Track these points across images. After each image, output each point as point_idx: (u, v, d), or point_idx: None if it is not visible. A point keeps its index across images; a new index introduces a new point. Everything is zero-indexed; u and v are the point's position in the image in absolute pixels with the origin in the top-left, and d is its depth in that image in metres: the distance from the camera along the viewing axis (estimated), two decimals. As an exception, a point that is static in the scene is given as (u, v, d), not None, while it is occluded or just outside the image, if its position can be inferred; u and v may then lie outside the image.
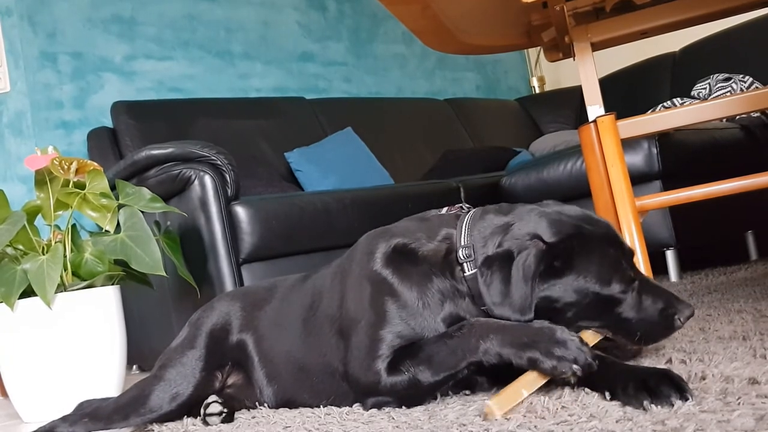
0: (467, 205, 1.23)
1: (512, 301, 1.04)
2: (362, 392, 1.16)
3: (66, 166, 1.91)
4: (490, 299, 1.06)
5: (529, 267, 1.04)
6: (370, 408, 1.16)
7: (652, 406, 0.88)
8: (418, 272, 1.15)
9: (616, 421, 0.86)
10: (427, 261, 1.16)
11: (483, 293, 1.07)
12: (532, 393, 1.01)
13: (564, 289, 1.07)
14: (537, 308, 1.06)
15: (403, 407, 1.13)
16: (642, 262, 1.67)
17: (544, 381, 1.01)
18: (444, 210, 1.23)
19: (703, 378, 1.00)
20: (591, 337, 1.10)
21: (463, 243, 1.13)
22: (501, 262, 1.06)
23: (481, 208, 1.19)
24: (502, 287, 1.05)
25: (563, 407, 0.95)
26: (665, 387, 0.90)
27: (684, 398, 0.88)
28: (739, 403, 0.85)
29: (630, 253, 1.12)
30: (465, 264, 1.12)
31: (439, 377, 1.08)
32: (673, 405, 0.87)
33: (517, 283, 1.04)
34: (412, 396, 1.12)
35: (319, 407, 1.26)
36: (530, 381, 1.01)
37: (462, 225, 1.16)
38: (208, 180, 2.35)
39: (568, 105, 4.46)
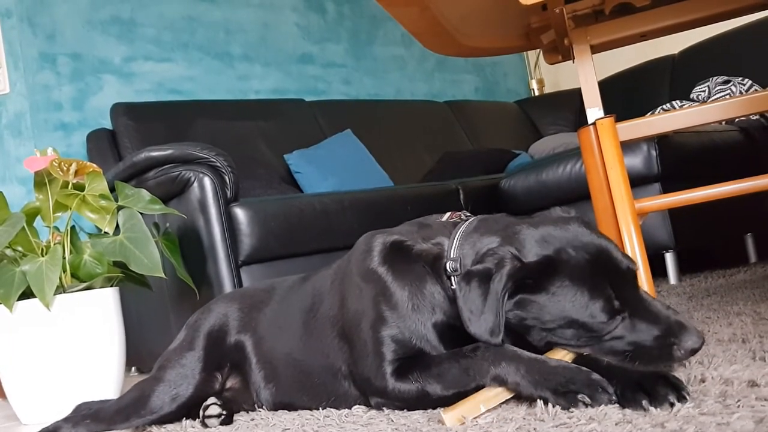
0: (467, 214, 1.23)
1: (485, 317, 1.03)
2: (371, 392, 1.17)
3: (65, 168, 1.91)
4: (466, 314, 1.05)
5: (501, 285, 1.02)
6: (376, 406, 1.16)
7: (651, 407, 0.88)
8: (412, 271, 1.16)
9: (616, 424, 0.86)
10: (422, 259, 1.16)
11: (460, 308, 1.06)
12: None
13: (537, 310, 1.04)
14: (512, 325, 1.06)
15: (405, 410, 1.13)
16: (641, 265, 1.66)
17: (505, 398, 1.02)
18: (445, 216, 1.23)
19: (703, 380, 1.00)
20: (568, 354, 1.06)
21: (452, 255, 1.12)
22: (479, 278, 1.04)
23: (477, 219, 1.18)
24: (478, 303, 1.04)
25: (562, 409, 0.95)
26: (662, 388, 0.89)
27: (682, 399, 0.88)
28: (738, 406, 0.85)
29: (628, 276, 1.06)
30: (452, 277, 1.11)
31: (448, 393, 1.08)
32: (671, 405, 0.87)
33: (491, 301, 1.03)
34: (420, 406, 1.12)
35: (318, 409, 1.26)
36: (491, 397, 1.01)
37: (455, 235, 1.15)
38: (207, 182, 2.35)
39: (567, 107, 4.47)
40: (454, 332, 1.12)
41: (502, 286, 1.02)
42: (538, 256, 1.05)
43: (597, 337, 1.03)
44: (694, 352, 1.00)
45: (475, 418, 1.00)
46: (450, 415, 0.99)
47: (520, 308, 1.05)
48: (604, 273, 1.04)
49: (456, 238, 1.14)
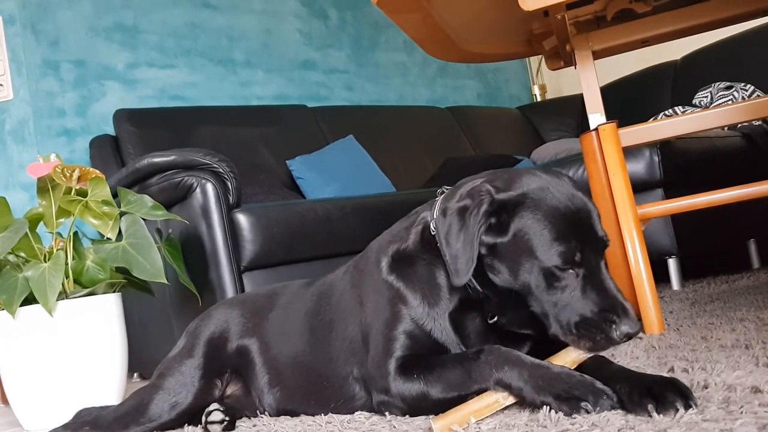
0: (447, 188, 1.24)
1: (459, 246, 1.06)
2: (375, 389, 1.17)
3: (68, 174, 1.91)
4: (444, 246, 1.09)
5: (476, 216, 1.06)
6: (377, 406, 1.17)
7: (656, 413, 0.88)
8: (417, 272, 1.18)
9: (618, 430, 0.85)
10: (418, 252, 1.18)
11: (439, 242, 1.10)
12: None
13: (506, 245, 1.06)
14: (480, 266, 1.08)
15: (407, 416, 1.13)
16: (644, 271, 1.66)
17: (495, 410, 1.02)
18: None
19: (706, 387, 1.00)
20: (571, 357, 1.07)
21: (435, 216, 1.15)
22: (454, 212, 1.09)
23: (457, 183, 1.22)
24: (455, 233, 1.07)
25: (565, 415, 0.94)
26: (670, 394, 0.89)
27: (688, 406, 0.88)
28: (741, 412, 0.84)
29: (598, 244, 1.06)
30: (436, 236, 1.13)
31: (449, 395, 1.08)
32: (677, 411, 0.87)
33: (466, 230, 1.06)
34: (420, 408, 1.12)
35: (324, 412, 1.27)
36: (480, 409, 1.01)
37: (435, 202, 1.18)
38: (209, 187, 2.35)
39: (569, 113, 4.47)
40: (472, 313, 1.15)
41: (479, 219, 1.05)
42: (515, 190, 1.07)
43: (552, 289, 1.04)
44: (629, 337, 1.01)
45: (478, 420, 1.00)
46: (439, 424, 0.99)
47: (494, 248, 1.08)
48: (578, 226, 1.05)
49: (437, 203, 1.17)
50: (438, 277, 1.16)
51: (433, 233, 1.15)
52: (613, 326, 1.01)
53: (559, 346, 1.09)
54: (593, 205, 1.10)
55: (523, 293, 1.07)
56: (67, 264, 1.87)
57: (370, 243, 1.34)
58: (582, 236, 1.05)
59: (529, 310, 1.08)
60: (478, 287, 1.12)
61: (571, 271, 1.04)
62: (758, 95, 3.04)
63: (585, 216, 1.07)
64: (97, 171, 1.99)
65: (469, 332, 1.16)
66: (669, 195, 2.53)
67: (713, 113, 1.78)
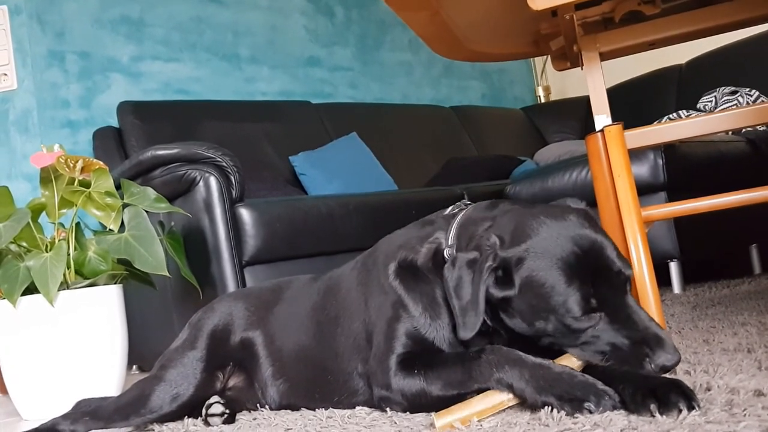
0: (467, 202, 1.24)
1: (468, 299, 1.07)
2: (375, 384, 1.17)
3: (72, 165, 1.91)
4: (454, 299, 1.08)
5: (481, 273, 1.05)
6: (378, 402, 1.17)
7: (659, 413, 0.88)
8: (421, 285, 1.18)
9: (621, 430, 0.85)
10: (426, 270, 1.18)
11: (447, 291, 1.10)
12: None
13: (516, 297, 1.05)
14: (494, 312, 1.09)
15: (407, 413, 1.13)
16: (647, 274, 1.66)
17: (497, 410, 1.02)
18: (448, 210, 1.25)
19: (708, 389, 0.99)
20: (572, 359, 1.06)
21: (449, 243, 1.16)
22: (463, 266, 1.08)
23: (474, 206, 1.21)
24: (463, 286, 1.07)
25: (567, 415, 0.94)
26: (673, 395, 0.89)
27: (691, 408, 0.87)
28: (744, 415, 0.84)
29: (617, 278, 1.03)
30: (444, 285, 1.12)
31: (448, 393, 1.08)
32: (680, 412, 0.87)
33: (474, 285, 1.06)
34: (420, 404, 1.12)
35: (327, 406, 1.27)
36: (485, 410, 1.01)
37: (452, 225, 1.18)
38: (213, 181, 2.35)
39: (573, 115, 4.47)
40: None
41: (483, 275, 1.05)
42: (515, 244, 1.06)
43: (573, 333, 1.03)
44: (665, 369, 0.98)
45: (480, 419, 1.00)
46: (442, 421, 0.99)
47: (505, 301, 1.07)
48: (589, 269, 1.02)
49: (453, 227, 1.17)
50: (438, 294, 1.16)
51: (445, 259, 1.14)
52: (647, 359, 0.97)
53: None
54: (605, 238, 1.06)
55: (541, 335, 1.07)
56: (68, 254, 1.87)
57: (379, 240, 1.33)
58: (596, 277, 1.02)
59: (543, 346, 1.07)
60: (488, 322, 1.11)
61: (592, 314, 1.01)
62: (763, 100, 3.04)
63: (596, 255, 1.03)
64: (101, 162, 1.99)
65: (473, 342, 1.15)
66: (672, 198, 2.53)
67: (718, 117, 1.77)
